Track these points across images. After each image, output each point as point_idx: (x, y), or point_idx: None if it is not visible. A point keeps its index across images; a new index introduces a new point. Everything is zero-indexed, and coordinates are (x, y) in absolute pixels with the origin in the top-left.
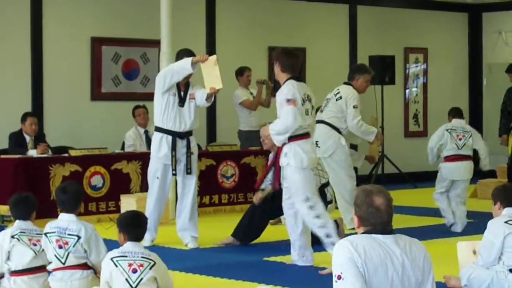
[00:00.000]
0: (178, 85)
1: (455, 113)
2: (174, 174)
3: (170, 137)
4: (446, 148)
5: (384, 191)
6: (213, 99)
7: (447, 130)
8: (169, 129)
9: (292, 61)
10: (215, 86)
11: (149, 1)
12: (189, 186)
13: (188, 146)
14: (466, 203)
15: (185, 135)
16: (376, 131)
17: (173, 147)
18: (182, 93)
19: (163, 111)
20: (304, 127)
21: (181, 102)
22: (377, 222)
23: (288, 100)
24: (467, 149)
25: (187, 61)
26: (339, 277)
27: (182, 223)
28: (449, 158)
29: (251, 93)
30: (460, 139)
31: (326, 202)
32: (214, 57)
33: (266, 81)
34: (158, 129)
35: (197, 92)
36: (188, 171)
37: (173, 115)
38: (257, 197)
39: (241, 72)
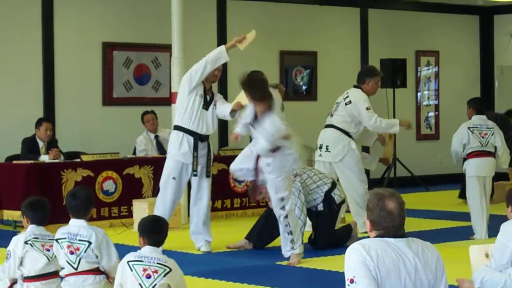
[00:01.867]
0: (205, 88)
1: (475, 107)
2: (195, 175)
3: (191, 138)
4: (469, 146)
5: (396, 194)
6: (236, 114)
7: (468, 128)
8: (191, 130)
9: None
10: (242, 101)
11: (160, 6)
12: (204, 189)
13: (209, 149)
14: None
15: (206, 138)
16: (398, 121)
17: (195, 148)
18: (208, 97)
19: (187, 111)
20: None
21: (206, 105)
22: (389, 226)
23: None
24: (491, 146)
25: (221, 49)
26: (351, 281)
27: (195, 226)
28: (473, 154)
29: None
30: (483, 137)
31: (336, 205)
32: (253, 33)
33: (279, 85)
34: (179, 128)
35: (219, 103)
36: (208, 174)
37: (197, 116)
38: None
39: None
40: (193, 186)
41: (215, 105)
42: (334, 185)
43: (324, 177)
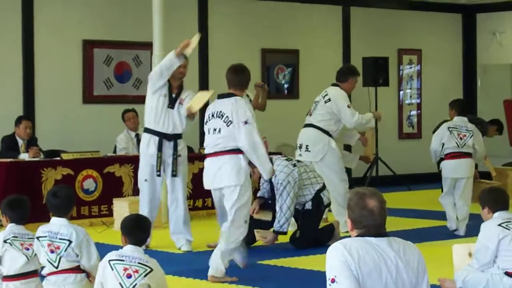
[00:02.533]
0: (170, 87)
1: (458, 109)
2: (159, 175)
3: (157, 138)
4: (446, 146)
5: (377, 193)
6: (194, 119)
7: (448, 128)
8: (157, 130)
9: (229, 77)
10: (195, 106)
11: (141, 4)
12: (178, 189)
13: (175, 149)
14: (469, 205)
15: (173, 137)
16: (371, 114)
17: (159, 148)
18: (173, 95)
19: (153, 111)
20: (205, 147)
21: (171, 104)
22: (370, 225)
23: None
24: (468, 148)
25: (170, 56)
26: (333, 281)
27: (174, 226)
28: (449, 156)
29: (247, 95)
30: (461, 138)
31: (324, 207)
32: (197, 36)
33: (263, 84)
34: (147, 130)
35: (186, 101)
36: (174, 173)
37: (162, 116)
38: (253, 208)
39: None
40: (168, 187)
41: (181, 103)
42: (324, 186)
43: (318, 176)
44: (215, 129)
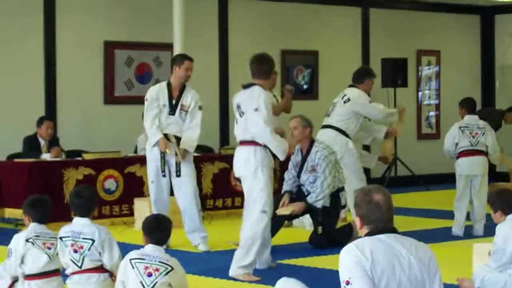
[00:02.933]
0: (169, 91)
1: (468, 107)
2: (164, 176)
3: None
4: (460, 145)
5: (382, 188)
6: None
7: (459, 128)
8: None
9: (252, 67)
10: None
11: (161, 5)
12: (184, 188)
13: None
14: (486, 204)
15: (177, 138)
16: (395, 110)
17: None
18: (174, 101)
19: (156, 120)
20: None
21: (172, 111)
22: (379, 219)
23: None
24: (481, 145)
25: (154, 137)
26: (347, 283)
27: (188, 225)
28: (463, 153)
29: (275, 96)
30: (473, 136)
31: (340, 207)
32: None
33: (293, 89)
34: None
35: (189, 117)
36: (178, 173)
37: (163, 121)
38: (283, 202)
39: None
40: (174, 187)
41: (183, 109)
42: (343, 188)
43: (343, 175)
44: (236, 121)
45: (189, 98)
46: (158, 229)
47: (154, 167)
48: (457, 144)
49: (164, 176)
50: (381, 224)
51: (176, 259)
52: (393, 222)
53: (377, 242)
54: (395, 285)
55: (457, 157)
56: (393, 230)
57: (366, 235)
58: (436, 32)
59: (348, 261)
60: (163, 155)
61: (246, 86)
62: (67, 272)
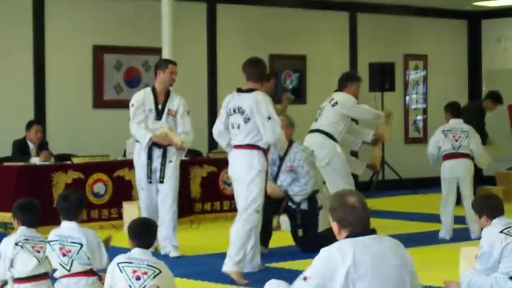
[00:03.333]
0: (155, 96)
1: (453, 111)
2: (150, 182)
3: (146, 148)
4: (442, 149)
5: (355, 191)
6: (184, 152)
7: (443, 132)
8: None
9: (247, 71)
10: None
11: (150, 9)
12: (165, 195)
13: (164, 155)
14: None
15: (162, 145)
16: (382, 112)
17: (149, 156)
18: (160, 106)
19: (142, 125)
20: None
21: (159, 116)
22: (356, 221)
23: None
24: (464, 148)
25: (144, 137)
26: (305, 278)
27: (162, 231)
28: (446, 157)
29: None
30: (456, 140)
31: (317, 209)
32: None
33: (293, 97)
34: (138, 140)
35: (179, 115)
36: (161, 179)
37: (150, 126)
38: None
39: (268, 78)
40: (159, 193)
41: (171, 114)
42: (318, 190)
43: (318, 179)
44: (235, 124)
45: (175, 103)
46: (144, 232)
47: (143, 174)
48: (440, 147)
49: (150, 182)
50: (359, 225)
51: (163, 262)
52: (370, 224)
53: (359, 243)
54: (378, 285)
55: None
56: (373, 231)
57: (346, 237)
58: (423, 37)
59: (320, 262)
60: (149, 162)
61: (246, 91)
62: (56, 275)
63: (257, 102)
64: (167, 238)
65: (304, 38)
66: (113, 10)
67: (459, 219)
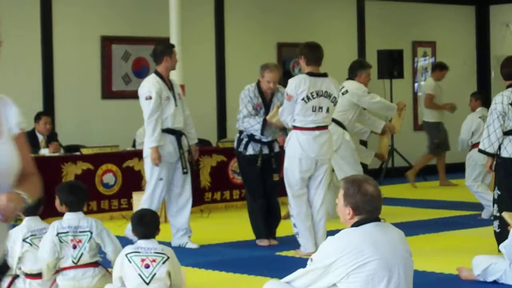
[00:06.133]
0: (167, 84)
1: (482, 100)
2: (186, 172)
3: (172, 136)
4: (478, 135)
5: (370, 178)
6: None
7: (480, 118)
8: (170, 128)
9: (313, 54)
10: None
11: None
12: (188, 184)
13: (180, 146)
14: None
15: (182, 133)
16: (394, 105)
17: (179, 145)
18: (173, 92)
19: (165, 113)
20: (309, 121)
21: (176, 101)
22: (373, 209)
23: (287, 94)
24: None
25: (155, 142)
26: (311, 260)
27: (181, 223)
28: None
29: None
30: None
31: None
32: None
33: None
34: (165, 131)
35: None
36: (185, 170)
37: (170, 115)
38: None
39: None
40: (174, 183)
41: (180, 98)
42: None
43: None
44: (320, 108)
45: (177, 86)
46: (143, 223)
47: (165, 163)
48: (473, 133)
49: (185, 172)
50: (375, 213)
51: (170, 248)
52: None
53: (367, 231)
54: (386, 271)
55: (472, 148)
56: (377, 219)
57: (354, 224)
58: (431, 23)
59: (328, 248)
60: (182, 150)
61: (322, 75)
62: (61, 265)
63: (334, 84)
64: (185, 228)
65: (312, 26)
66: (120, 0)
67: (469, 205)
